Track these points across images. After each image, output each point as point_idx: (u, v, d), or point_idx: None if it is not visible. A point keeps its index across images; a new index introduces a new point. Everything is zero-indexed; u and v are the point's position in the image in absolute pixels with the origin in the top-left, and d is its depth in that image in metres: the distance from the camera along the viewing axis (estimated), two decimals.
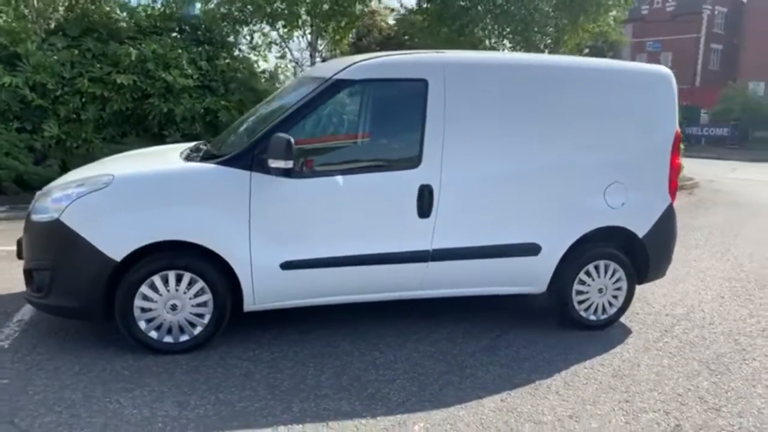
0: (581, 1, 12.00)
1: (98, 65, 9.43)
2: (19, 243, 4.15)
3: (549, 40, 13.13)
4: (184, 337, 3.89)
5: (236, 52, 11.69)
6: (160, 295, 3.78)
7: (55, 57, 9.20)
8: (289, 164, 3.67)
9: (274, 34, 12.72)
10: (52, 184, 4.17)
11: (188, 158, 4.23)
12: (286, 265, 3.91)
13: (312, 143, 4.15)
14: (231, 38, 11.65)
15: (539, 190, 4.33)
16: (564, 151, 4.34)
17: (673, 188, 4.66)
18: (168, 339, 3.86)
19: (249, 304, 3.97)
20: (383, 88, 4.11)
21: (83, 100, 9.21)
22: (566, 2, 12.23)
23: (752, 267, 6.91)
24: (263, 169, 3.78)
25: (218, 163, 3.84)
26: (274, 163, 3.70)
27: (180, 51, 9.99)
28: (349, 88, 4.01)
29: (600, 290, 4.61)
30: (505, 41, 13.66)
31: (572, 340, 4.46)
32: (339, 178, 3.95)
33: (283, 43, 13.04)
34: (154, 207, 3.73)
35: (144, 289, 3.74)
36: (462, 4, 12.88)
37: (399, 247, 4.09)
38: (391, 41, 30.58)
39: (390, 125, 4.20)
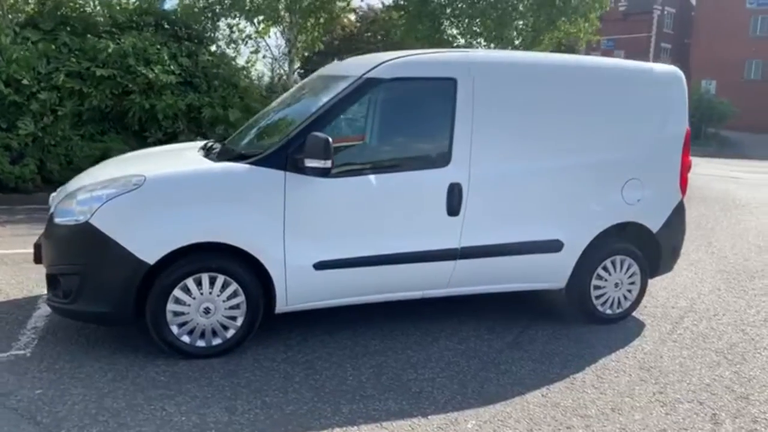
0: (560, 2, 12.23)
1: (74, 59, 9.10)
2: (36, 247, 3.97)
3: (523, 38, 13.34)
4: (217, 341, 3.81)
5: (214, 48, 11.46)
6: (194, 298, 3.69)
7: (28, 52, 8.83)
8: (328, 164, 3.63)
9: (250, 29, 12.53)
10: (73, 185, 4.00)
11: (207, 158, 4.14)
12: (320, 265, 3.87)
13: (343, 142, 4.12)
14: (209, 34, 11.41)
15: (562, 187, 4.40)
16: (586, 148, 4.43)
17: (684, 184, 4.81)
18: (201, 343, 3.77)
19: (281, 306, 3.92)
20: (413, 87, 4.10)
21: (60, 95, 8.87)
22: (544, 2, 12.44)
23: (736, 259, 7.19)
24: (297, 169, 3.73)
25: (251, 163, 3.77)
26: (311, 163, 3.65)
27: (159, 47, 9.72)
28: (379, 86, 3.99)
29: (616, 284, 4.72)
30: (480, 39, 13.81)
31: (592, 334, 4.55)
32: (371, 177, 3.94)
33: (259, 39, 12.87)
34: (188, 208, 3.64)
35: (177, 292, 3.65)
36: (440, 1, 12.95)
37: (429, 245, 4.10)
38: (352, 38, 30.50)
39: (420, 124, 4.19)
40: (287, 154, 3.75)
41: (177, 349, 3.72)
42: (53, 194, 4.26)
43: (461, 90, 4.07)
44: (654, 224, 4.72)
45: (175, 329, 3.70)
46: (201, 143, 5.15)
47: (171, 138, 9.43)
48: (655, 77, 4.73)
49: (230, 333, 3.82)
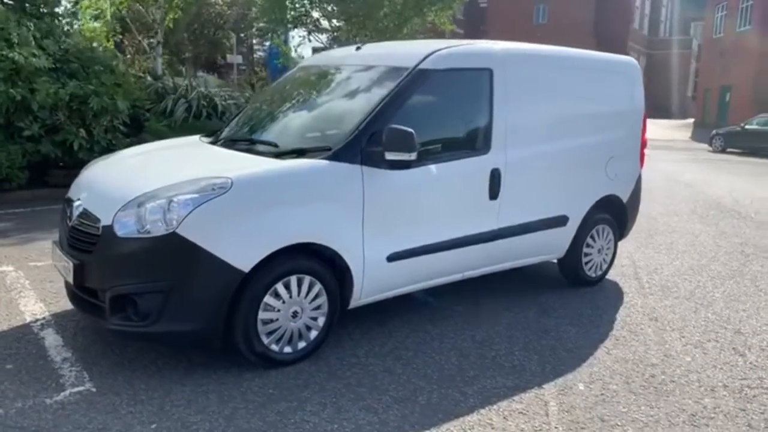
0: None
1: None
2: (77, 268, 3.40)
3: (391, 25, 13.72)
4: (302, 344, 3.65)
5: (68, 27, 10.13)
6: (283, 302, 3.50)
7: None
8: (413, 156, 3.65)
9: (103, 7, 11.17)
10: (111, 194, 3.46)
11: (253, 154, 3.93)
12: (392, 257, 3.88)
13: None
14: (59, 9, 10.03)
15: (570, 166, 4.88)
16: (587, 130, 4.95)
17: (642, 158, 5.57)
18: (287, 349, 3.59)
19: (355, 301, 3.87)
20: (459, 77, 4.22)
21: None
22: None
23: None
24: (372, 162, 3.69)
25: (326, 159, 3.63)
26: (392, 156, 3.63)
27: (16, 25, 8.38)
28: (432, 77, 4.05)
29: (599, 250, 5.34)
30: (342, 23, 13.90)
31: (588, 296, 5.12)
32: (433, 167, 4.02)
33: (125, 18, 11.53)
34: (279, 209, 3.42)
35: (268, 298, 3.43)
36: None
37: (476, 228, 4.31)
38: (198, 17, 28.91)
39: (465, 112, 4.33)
40: (361, 148, 3.69)
41: (268, 359, 3.50)
42: (79, 203, 3.66)
43: (497, 79, 4.31)
44: (624, 195, 5.42)
45: (264, 339, 3.48)
46: (194, 138, 4.76)
47: (50, 131, 8.29)
48: (622, 66, 5.40)
49: (313, 334, 3.69)
